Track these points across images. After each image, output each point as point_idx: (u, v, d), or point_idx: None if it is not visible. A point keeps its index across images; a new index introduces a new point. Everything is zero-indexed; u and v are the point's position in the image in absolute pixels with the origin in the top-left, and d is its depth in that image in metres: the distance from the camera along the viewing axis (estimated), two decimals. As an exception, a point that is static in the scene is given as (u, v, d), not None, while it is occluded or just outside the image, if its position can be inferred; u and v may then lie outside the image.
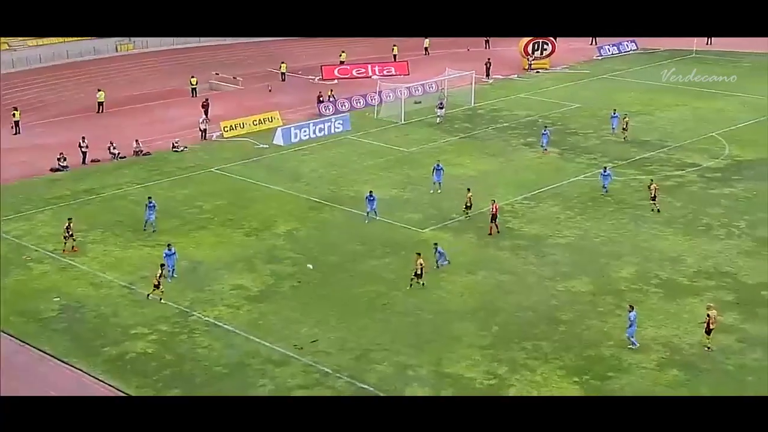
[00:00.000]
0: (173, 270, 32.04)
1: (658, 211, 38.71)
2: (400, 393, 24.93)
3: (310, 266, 31.06)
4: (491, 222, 36.48)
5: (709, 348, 27.16)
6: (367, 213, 37.77)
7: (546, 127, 49.88)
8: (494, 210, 36.66)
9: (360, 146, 50.14)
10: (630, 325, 27.46)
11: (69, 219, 35.11)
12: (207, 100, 56.33)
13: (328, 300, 30.86)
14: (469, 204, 37.93)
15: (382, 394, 24.95)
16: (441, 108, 54.55)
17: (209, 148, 49.72)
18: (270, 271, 33.11)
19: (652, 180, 40.71)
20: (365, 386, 25.31)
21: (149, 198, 37.31)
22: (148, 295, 30.69)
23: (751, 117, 55.68)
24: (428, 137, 51.72)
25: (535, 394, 24.98)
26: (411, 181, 43.84)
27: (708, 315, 27.03)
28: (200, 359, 26.99)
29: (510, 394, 24.90)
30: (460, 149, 49.25)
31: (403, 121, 54.65)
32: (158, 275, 30.47)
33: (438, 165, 41.91)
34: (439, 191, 41.13)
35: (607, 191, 40.86)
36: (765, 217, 38.71)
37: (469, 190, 38.58)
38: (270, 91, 63.06)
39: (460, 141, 51.06)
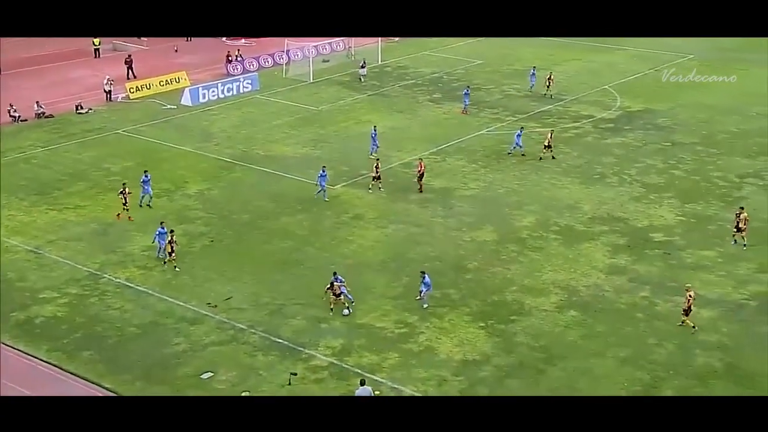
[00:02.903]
0: (162, 248, 30.61)
1: (553, 158, 40.73)
2: (314, 346, 25.73)
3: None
4: (419, 181, 37.16)
5: (694, 327, 26.58)
6: (322, 189, 35.96)
7: (468, 86, 50.36)
8: (421, 168, 37.35)
9: (269, 105, 50.15)
10: (428, 288, 27.78)
11: (123, 184, 34.43)
12: (130, 56, 55.24)
13: (241, 257, 31.28)
14: (377, 174, 37.13)
15: (296, 347, 25.73)
16: (363, 67, 55.01)
17: (115, 110, 48.81)
18: (182, 231, 33.12)
19: (552, 131, 42.45)
20: (280, 340, 25.99)
21: (145, 171, 35.58)
22: (164, 261, 30.26)
23: (640, 70, 58.43)
24: (337, 95, 52.14)
25: (443, 339, 26.17)
26: (321, 138, 44.31)
27: (689, 296, 26.42)
28: (112, 321, 27.09)
29: (420, 341, 26.03)
30: (368, 106, 49.90)
31: (311, 80, 54.83)
32: (169, 240, 30.01)
33: (374, 131, 41.43)
34: (373, 155, 40.48)
35: (515, 149, 41.19)
36: (653, 165, 41.12)
37: (378, 159, 38.43)
38: (176, 51, 61.92)
39: (368, 98, 51.66)
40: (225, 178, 38.89)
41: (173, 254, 30.22)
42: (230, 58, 57.17)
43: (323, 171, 36.29)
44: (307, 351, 25.53)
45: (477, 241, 32.71)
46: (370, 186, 37.28)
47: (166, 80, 52.91)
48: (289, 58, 58.32)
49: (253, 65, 57.61)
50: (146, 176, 35.29)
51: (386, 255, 31.52)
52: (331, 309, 27.57)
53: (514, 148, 41.37)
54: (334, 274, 27.88)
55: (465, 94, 48.82)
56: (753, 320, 27.10)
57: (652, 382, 24.11)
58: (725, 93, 52.73)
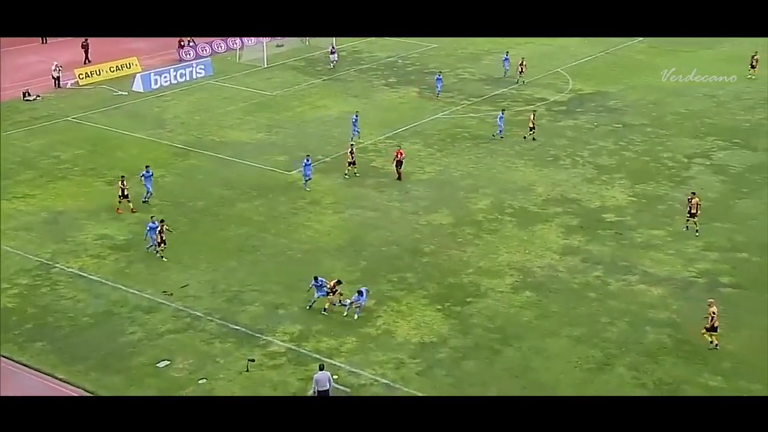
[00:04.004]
0: (153, 243, 29.98)
1: (534, 139, 41.40)
2: (272, 332, 25.68)
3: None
4: (398, 168, 37.06)
5: (716, 346, 25.11)
6: (308, 178, 35.61)
7: (440, 72, 50.40)
8: (399, 156, 37.12)
9: (223, 91, 49.65)
10: (359, 299, 26.84)
11: (122, 177, 33.48)
12: (86, 40, 53.97)
13: (196, 245, 31.03)
14: (352, 160, 37.00)
15: (253, 334, 25.67)
16: (333, 53, 54.56)
17: (64, 97, 47.88)
18: (136, 219, 32.77)
19: (534, 111, 43.38)
20: (237, 327, 25.88)
21: (146, 166, 34.45)
22: (162, 256, 29.72)
23: (591, 53, 59.22)
24: (292, 80, 51.83)
25: (401, 323, 26.35)
26: (276, 124, 44.06)
27: (713, 313, 25.00)
28: (65, 311, 26.68)
29: (377, 325, 26.17)
30: (323, 91, 49.72)
31: (266, 65, 54.39)
32: (159, 231, 29.55)
33: (355, 117, 41.26)
34: (358, 141, 40.39)
35: (501, 132, 41.68)
36: (605, 146, 41.79)
37: (352, 145, 38.16)
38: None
39: (323, 83, 51.46)
40: (179, 165, 38.47)
41: (162, 245, 29.84)
42: (182, 44, 56.40)
43: (307, 160, 35.87)
44: (264, 337, 25.49)
45: (433, 225, 32.92)
46: (346, 172, 37.08)
47: (117, 66, 52.04)
48: (242, 43, 57.78)
49: (205, 50, 56.93)
50: (147, 171, 34.24)
51: (343, 240, 31.55)
52: (343, 307, 26.82)
53: (501, 131, 41.66)
54: (316, 278, 26.81)
55: (437, 79, 48.66)
56: (701, 297, 27.73)
57: (605, 359, 24.62)
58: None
